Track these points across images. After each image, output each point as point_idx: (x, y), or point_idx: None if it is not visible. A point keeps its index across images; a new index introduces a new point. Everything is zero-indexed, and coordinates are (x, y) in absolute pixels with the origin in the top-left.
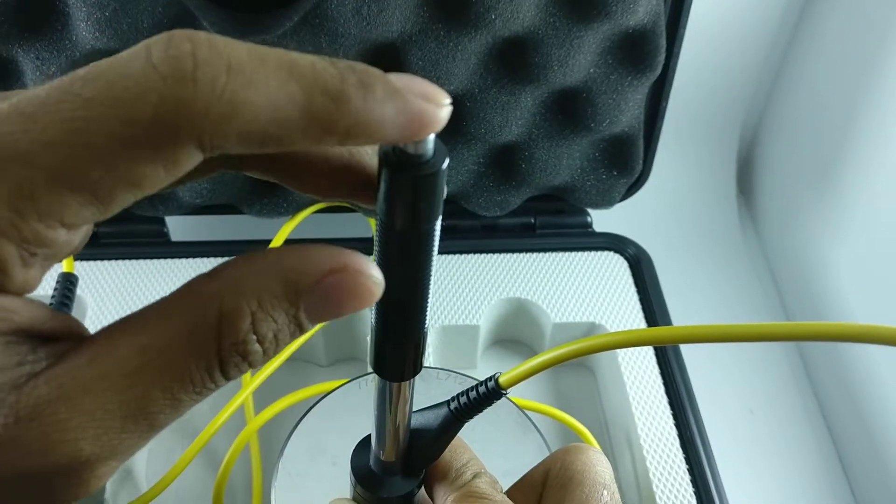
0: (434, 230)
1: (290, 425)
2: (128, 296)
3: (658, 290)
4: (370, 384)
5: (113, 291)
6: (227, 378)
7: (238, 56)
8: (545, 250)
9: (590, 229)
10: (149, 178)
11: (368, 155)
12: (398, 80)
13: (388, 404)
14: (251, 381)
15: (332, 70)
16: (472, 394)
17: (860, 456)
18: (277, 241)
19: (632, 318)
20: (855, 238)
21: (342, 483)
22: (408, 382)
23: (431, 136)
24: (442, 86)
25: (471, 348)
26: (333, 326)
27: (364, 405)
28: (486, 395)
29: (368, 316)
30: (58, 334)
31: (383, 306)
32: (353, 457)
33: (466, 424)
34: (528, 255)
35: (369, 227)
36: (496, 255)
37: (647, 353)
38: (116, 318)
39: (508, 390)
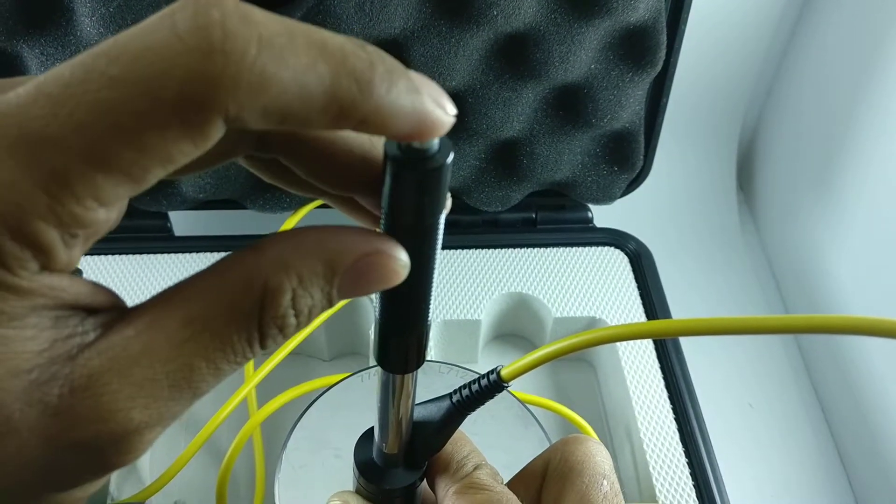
0: (438, 224)
1: (293, 419)
2: (131, 290)
3: (658, 286)
4: (372, 378)
5: (116, 286)
6: (264, 348)
7: (270, 29)
8: (546, 245)
9: (590, 225)
10: (180, 153)
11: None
12: (417, 78)
13: (391, 396)
14: (254, 375)
15: (362, 54)
16: (474, 387)
17: (858, 449)
18: None
19: (632, 312)
20: (854, 234)
21: (345, 475)
22: (411, 375)
23: None
24: (444, 82)
25: (472, 343)
26: (335, 321)
27: (366, 399)
28: (488, 387)
29: (371, 310)
30: (101, 307)
31: (387, 299)
32: (356, 449)
33: (468, 418)
34: (529, 250)
35: None
36: (497, 251)
37: (647, 347)
38: None
39: (510, 383)
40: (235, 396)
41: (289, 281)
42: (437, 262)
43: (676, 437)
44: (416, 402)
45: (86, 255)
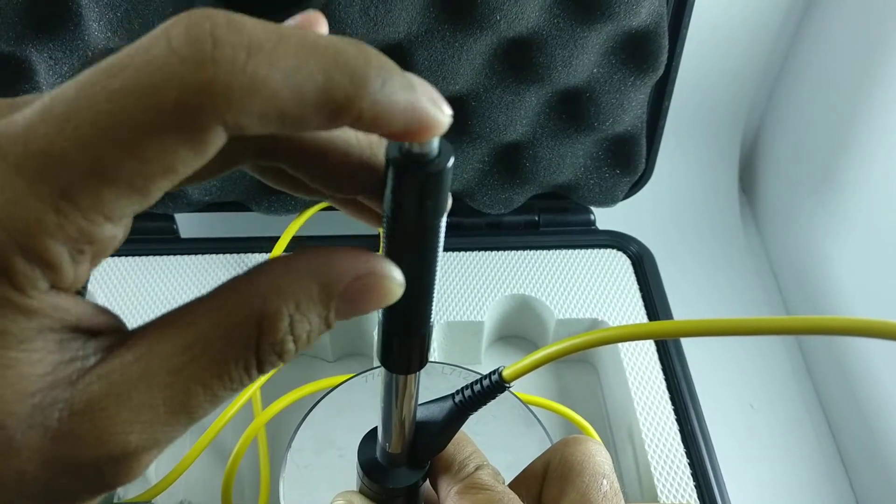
0: (440, 226)
1: (297, 420)
2: (138, 292)
3: (660, 288)
4: (376, 378)
5: (123, 287)
6: (262, 374)
7: (259, 34)
8: (549, 248)
9: (593, 227)
10: (181, 164)
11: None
12: (412, 77)
13: (394, 397)
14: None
15: (355, 51)
16: (477, 387)
17: (859, 450)
18: (285, 239)
19: (634, 314)
20: (856, 236)
21: (349, 475)
22: (414, 375)
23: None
24: (447, 86)
25: (475, 344)
26: (340, 323)
27: (370, 399)
28: (490, 388)
29: (375, 312)
30: (102, 329)
31: None
32: (359, 449)
33: (470, 418)
34: (532, 252)
35: None
36: (500, 253)
37: (649, 348)
38: (125, 313)
39: (512, 384)
40: (240, 397)
41: (286, 307)
42: (439, 263)
43: (678, 437)
44: (419, 402)
45: None
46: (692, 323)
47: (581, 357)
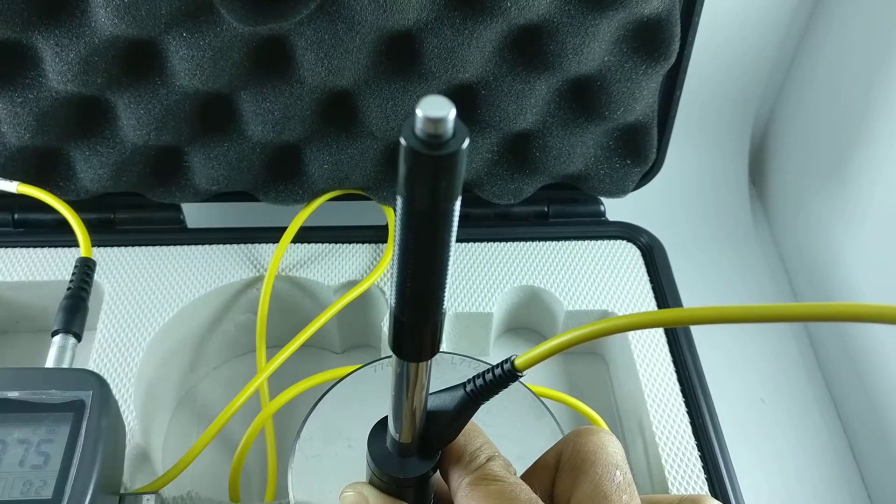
0: (453, 210)
1: (304, 412)
2: (144, 282)
3: (670, 279)
4: (385, 369)
5: (129, 277)
6: None
7: None
8: (558, 239)
9: (603, 218)
10: None
11: None
12: None
13: (405, 385)
14: (266, 367)
15: None
16: (488, 376)
17: (870, 443)
18: (293, 229)
19: (644, 306)
20: (866, 228)
21: (358, 465)
22: (425, 364)
23: (452, 116)
24: (457, 73)
25: (484, 336)
26: (348, 314)
27: (379, 389)
28: (502, 377)
29: (383, 303)
30: None
31: (402, 287)
32: (369, 439)
33: (480, 410)
34: (542, 243)
35: (383, 214)
36: (509, 244)
37: (660, 340)
38: (132, 303)
39: (524, 373)
40: (248, 388)
41: None
42: (452, 249)
43: (689, 430)
44: (430, 391)
45: (99, 246)
46: (706, 310)
47: (591, 349)
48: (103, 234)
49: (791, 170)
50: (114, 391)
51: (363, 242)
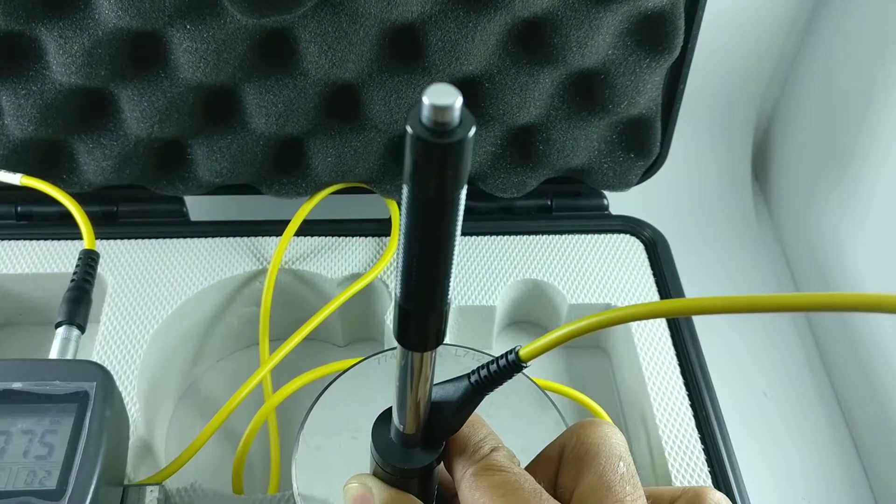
0: (459, 199)
1: (307, 405)
2: (147, 274)
3: (673, 273)
4: (389, 361)
5: (133, 270)
6: None
7: None
8: (561, 232)
9: (606, 212)
10: None
11: None
12: None
13: (409, 376)
14: (269, 360)
15: None
16: (493, 367)
17: (873, 435)
18: (296, 222)
19: (647, 299)
20: (868, 222)
21: (362, 457)
22: (430, 354)
23: (458, 104)
24: (461, 67)
25: (487, 329)
26: (351, 307)
27: (383, 381)
28: (507, 367)
29: (386, 296)
30: None
31: (408, 276)
32: (373, 430)
33: (484, 402)
34: (545, 237)
35: (387, 208)
36: (513, 237)
37: (663, 334)
38: (135, 296)
39: (528, 363)
40: (251, 380)
41: None
42: (458, 238)
43: (692, 422)
44: (434, 382)
45: (103, 239)
46: (709, 300)
47: (594, 342)
48: (106, 226)
49: (794, 164)
50: (117, 383)
51: (366, 236)
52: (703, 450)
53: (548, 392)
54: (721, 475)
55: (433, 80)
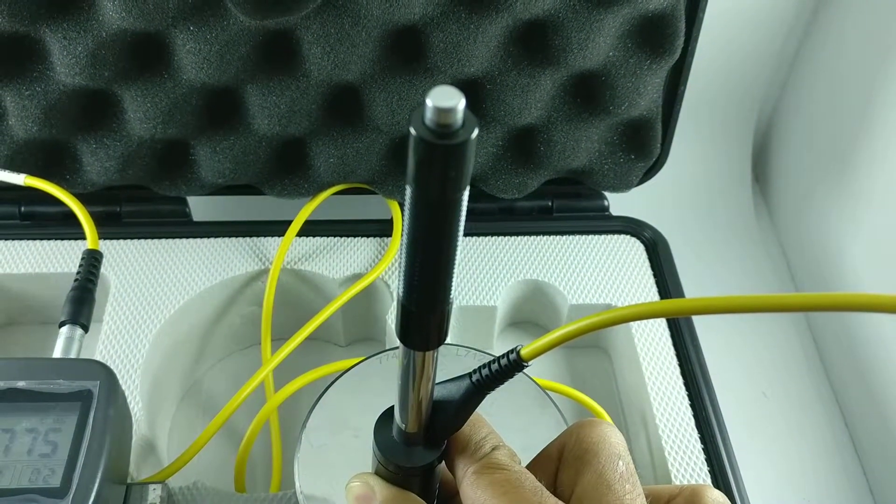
0: (462, 200)
1: (309, 404)
2: (150, 274)
3: (674, 273)
4: (391, 360)
5: (135, 269)
6: None
7: None
8: (562, 233)
9: (607, 213)
10: None
11: None
12: None
13: (411, 375)
14: (271, 360)
15: None
16: (494, 366)
17: (872, 435)
18: (298, 222)
19: (647, 300)
20: (868, 223)
21: (364, 455)
22: (431, 353)
23: (461, 106)
24: (462, 68)
25: (487, 329)
26: (352, 307)
27: (385, 381)
28: (508, 366)
29: (388, 297)
30: None
31: (411, 276)
32: (375, 429)
33: (485, 402)
34: (546, 237)
35: (388, 208)
36: (513, 238)
37: (663, 334)
38: (138, 295)
39: (530, 363)
40: (253, 380)
41: None
42: (460, 239)
43: (692, 422)
44: (436, 382)
45: (106, 239)
46: (710, 300)
47: (594, 343)
48: (109, 226)
49: (794, 165)
50: (120, 382)
51: (368, 236)
52: (703, 449)
53: (548, 391)
54: (721, 475)
55: (435, 81)
